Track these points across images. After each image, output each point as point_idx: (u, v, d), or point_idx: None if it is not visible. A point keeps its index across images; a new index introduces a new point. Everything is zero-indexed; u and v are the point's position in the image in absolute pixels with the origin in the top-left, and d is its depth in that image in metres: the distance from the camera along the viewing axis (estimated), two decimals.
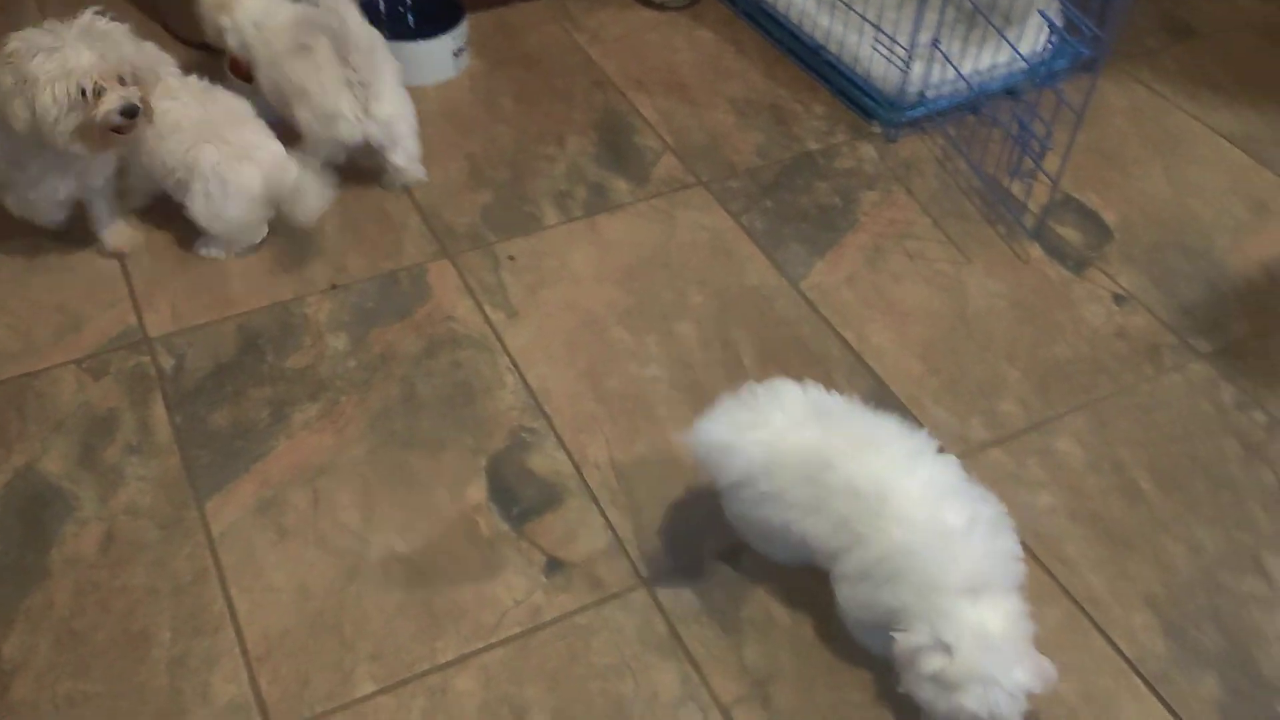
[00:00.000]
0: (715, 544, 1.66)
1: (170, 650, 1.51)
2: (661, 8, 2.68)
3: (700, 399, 1.84)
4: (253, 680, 1.48)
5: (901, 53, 2.27)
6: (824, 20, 2.46)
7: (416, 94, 2.41)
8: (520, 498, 1.71)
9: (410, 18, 2.44)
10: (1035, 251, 2.14)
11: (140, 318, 1.93)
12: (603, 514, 1.69)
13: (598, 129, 2.37)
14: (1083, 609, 1.60)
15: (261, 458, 1.73)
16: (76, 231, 2.02)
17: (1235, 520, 1.72)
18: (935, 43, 2.28)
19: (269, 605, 1.56)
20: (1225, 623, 1.59)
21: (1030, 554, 1.66)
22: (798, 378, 1.87)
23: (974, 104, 2.37)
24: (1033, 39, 2.34)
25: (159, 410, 1.79)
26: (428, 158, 2.25)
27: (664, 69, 2.53)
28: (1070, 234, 2.18)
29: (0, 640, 1.50)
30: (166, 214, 2.05)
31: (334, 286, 2.00)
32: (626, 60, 2.54)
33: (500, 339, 1.94)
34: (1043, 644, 1.55)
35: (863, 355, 1.94)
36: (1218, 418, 1.86)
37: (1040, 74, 2.16)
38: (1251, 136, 2.42)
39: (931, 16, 2.24)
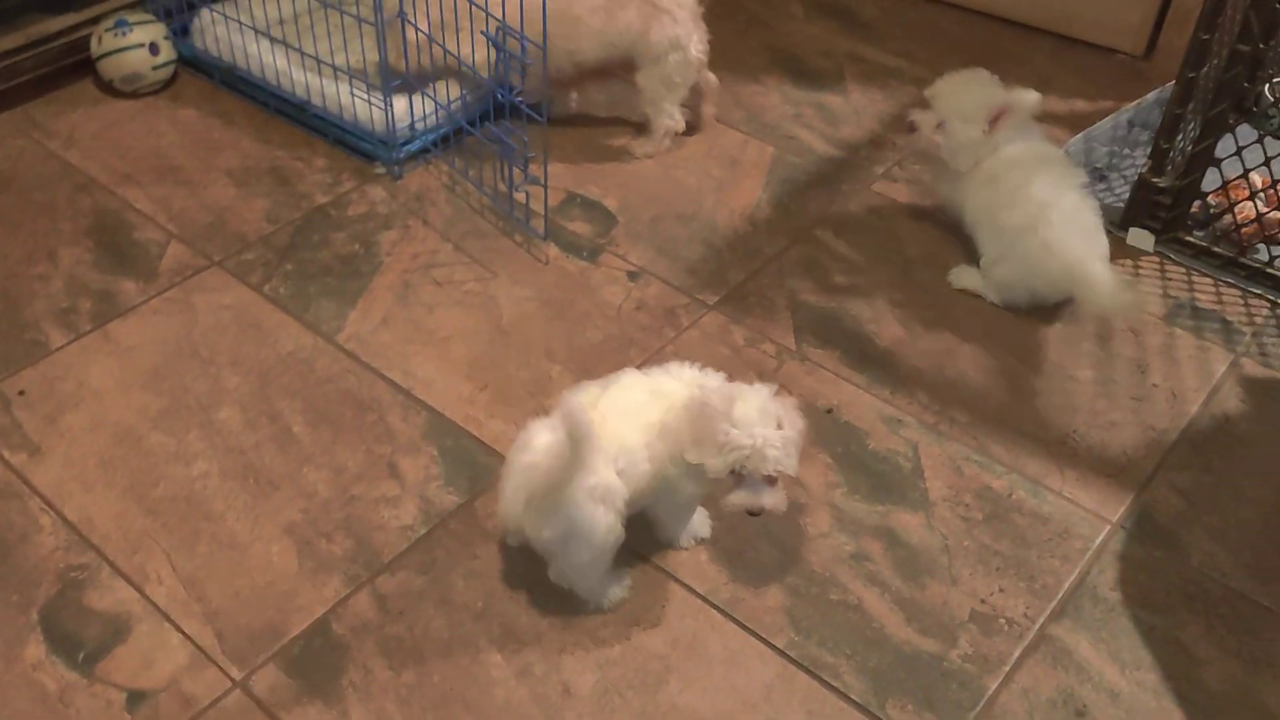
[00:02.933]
0: (301, 620, 1.64)
1: None
2: (136, 95, 2.57)
3: (257, 480, 1.81)
4: None
5: (378, 95, 2.33)
6: (300, 75, 2.46)
7: None
8: (84, 640, 1.60)
9: None
10: (552, 251, 2.27)
11: None
12: (177, 629, 1.62)
13: (91, 234, 2.24)
14: (654, 564, 1.73)
15: None
16: None
17: None
18: (403, 79, 2.35)
19: None
20: (776, 537, 1.77)
21: None
22: (353, 431, 1.90)
23: (463, 129, 2.46)
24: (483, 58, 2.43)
25: None
26: None
27: (151, 156, 2.43)
28: (580, 227, 2.33)
29: None
30: None
31: None
32: (109, 156, 2.43)
33: (26, 481, 1.80)
34: (625, 608, 1.67)
35: (412, 391, 1.97)
36: (734, 357, 2.06)
37: (505, 89, 2.25)
38: None
39: (392, 52, 2.30)
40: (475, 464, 1.86)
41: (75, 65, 2.59)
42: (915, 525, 1.80)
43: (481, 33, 2.20)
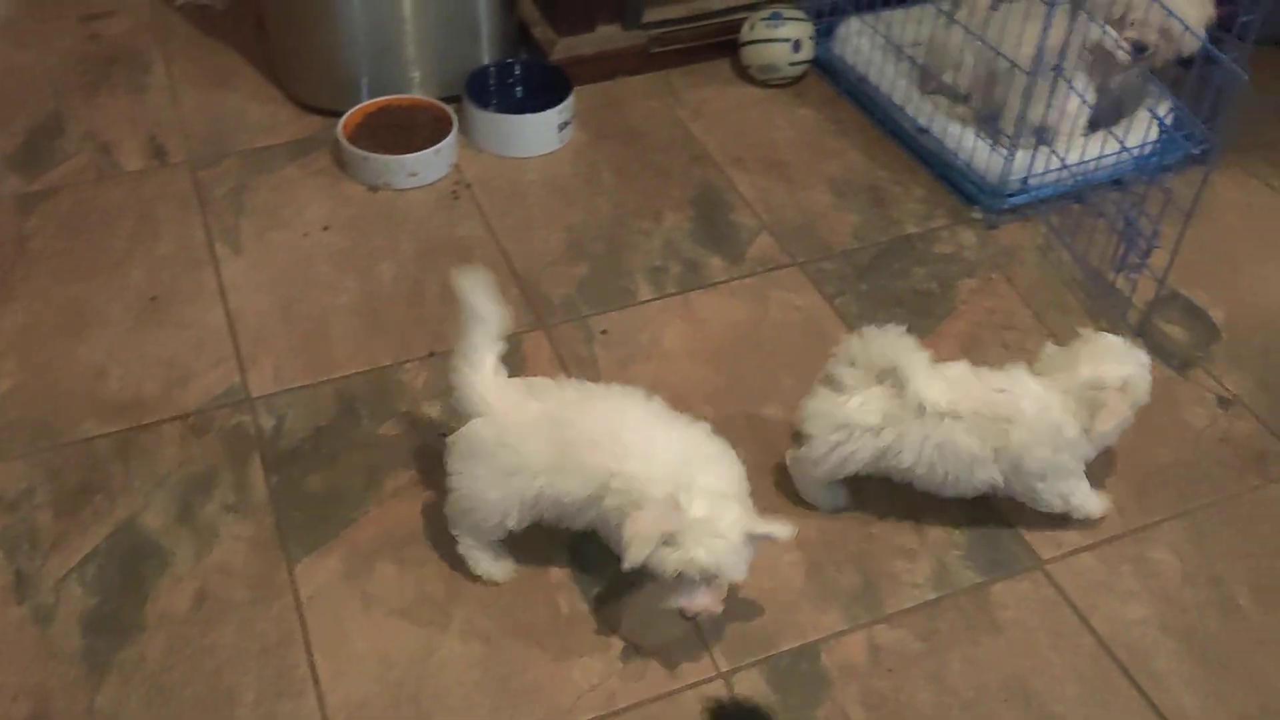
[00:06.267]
0: (794, 637, 1.64)
1: (254, 712, 1.54)
2: (764, 85, 2.70)
3: (784, 485, 1.84)
4: None
5: (1006, 141, 2.26)
6: (927, 105, 2.46)
7: (520, 165, 2.48)
8: (603, 576, 1.72)
9: (519, 89, 2.51)
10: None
11: (244, 377, 1.99)
12: None
13: (695, 205, 2.39)
14: None
15: (352, 523, 1.77)
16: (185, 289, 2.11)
17: None
18: (1040, 133, 2.26)
19: (351, 673, 1.59)
20: None
21: (1119, 667, 1.61)
22: None
23: (1079, 193, 2.33)
24: (1141, 132, 2.30)
25: (257, 470, 1.84)
26: (529, 228, 2.30)
27: (764, 146, 2.54)
28: (1175, 331, 2.13)
29: (94, 692, 1.55)
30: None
31: (432, 354, 2.05)
32: (727, 136, 2.57)
33: None
34: None
35: None
36: None
37: (1149, 167, 2.12)
38: None
39: (1038, 108, 2.22)
40: (1000, 547, 1.77)
41: (720, 44, 2.75)
42: None
43: (1147, 108, 2.06)
